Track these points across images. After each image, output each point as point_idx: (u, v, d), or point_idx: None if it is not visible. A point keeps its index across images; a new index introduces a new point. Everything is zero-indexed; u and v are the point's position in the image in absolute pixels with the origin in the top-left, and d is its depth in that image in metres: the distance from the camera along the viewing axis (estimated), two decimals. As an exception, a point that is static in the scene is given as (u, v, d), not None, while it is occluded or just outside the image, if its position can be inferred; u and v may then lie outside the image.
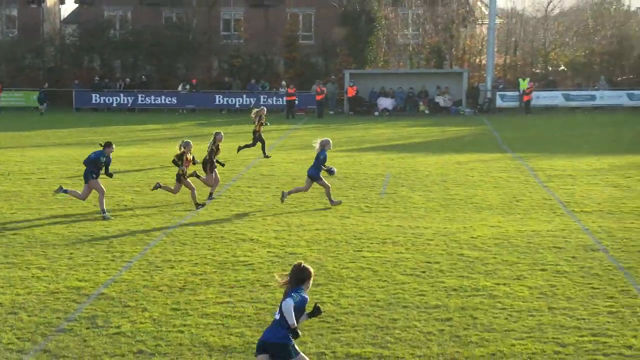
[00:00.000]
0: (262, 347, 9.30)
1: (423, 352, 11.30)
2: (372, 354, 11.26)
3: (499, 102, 54.03)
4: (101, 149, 20.62)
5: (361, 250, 16.88)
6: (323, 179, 21.84)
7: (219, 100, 56.49)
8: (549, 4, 63.53)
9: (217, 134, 23.35)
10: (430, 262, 15.88)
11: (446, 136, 40.19)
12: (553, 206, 21.44)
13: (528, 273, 15.08)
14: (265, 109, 32.72)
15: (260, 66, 59.74)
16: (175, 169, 21.78)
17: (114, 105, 56.61)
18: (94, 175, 20.54)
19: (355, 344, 11.60)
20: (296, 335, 9.02)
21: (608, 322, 12.34)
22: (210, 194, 22.85)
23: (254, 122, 31.10)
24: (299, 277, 9.13)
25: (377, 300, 13.50)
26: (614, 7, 64.42)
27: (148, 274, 15.16)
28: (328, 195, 21.76)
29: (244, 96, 56.07)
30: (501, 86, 55.46)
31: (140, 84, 58.74)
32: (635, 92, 54.36)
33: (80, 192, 20.94)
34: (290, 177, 26.60)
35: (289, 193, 21.92)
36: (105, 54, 61.65)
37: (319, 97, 51.88)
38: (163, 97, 56.79)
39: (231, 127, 45.33)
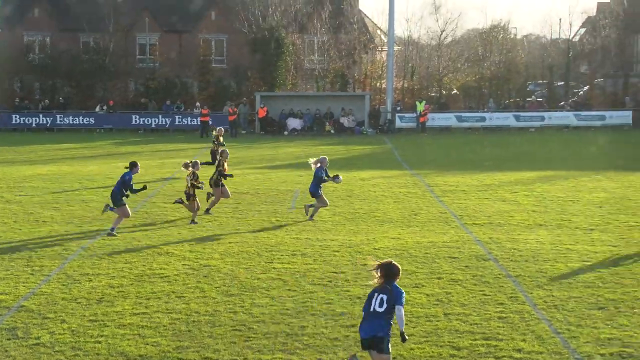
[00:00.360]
0: (367, 344, 9.79)
1: (330, 357, 11.31)
2: (282, 359, 11.22)
3: (398, 123, 54.70)
4: (127, 170, 19.91)
5: (272, 262, 16.83)
6: (323, 195, 21.74)
7: (136, 121, 55.92)
8: (442, 33, 64.76)
9: (223, 151, 23.23)
10: (336, 272, 15.92)
11: (350, 154, 40.47)
12: (448, 219, 21.75)
13: (425, 281, 15.24)
14: (223, 130, 32.70)
15: (175, 88, 59.36)
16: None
17: (34, 125, 55.36)
18: (124, 198, 19.71)
19: (266, 351, 11.54)
20: (405, 340, 9.79)
21: (499, 326, 12.56)
22: (208, 209, 22.50)
23: (212, 142, 31.00)
24: (391, 273, 9.73)
25: (287, 309, 13.46)
26: (501, 35, 65.97)
27: (66, 287, 14.80)
28: (315, 210, 21.70)
29: (160, 116, 55.82)
30: (399, 108, 56.20)
31: (58, 105, 57.64)
32: (521, 113, 55.75)
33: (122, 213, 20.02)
34: (204, 193, 26.32)
35: (311, 210, 21.77)
36: (25, 77, 60.29)
37: (231, 118, 51.88)
38: (81, 118, 55.83)
39: (148, 145, 44.83)
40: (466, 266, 16.39)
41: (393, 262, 9.91)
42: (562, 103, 59.21)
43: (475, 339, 11.95)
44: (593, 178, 29.26)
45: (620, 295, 14.15)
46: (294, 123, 54.87)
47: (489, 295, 14.28)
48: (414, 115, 54.34)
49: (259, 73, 58.30)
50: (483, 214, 22.37)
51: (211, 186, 22.66)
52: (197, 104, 55.65)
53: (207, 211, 22.30)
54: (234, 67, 59.98)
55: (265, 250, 17.90)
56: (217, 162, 23.08)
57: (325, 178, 21.76)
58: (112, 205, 19.94)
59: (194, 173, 21.12)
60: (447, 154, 39.86)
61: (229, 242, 18.77)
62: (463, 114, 56.16)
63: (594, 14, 66.88)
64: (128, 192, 19.83)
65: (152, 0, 62.15)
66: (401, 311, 9.63)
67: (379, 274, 9.83)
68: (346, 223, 21.26)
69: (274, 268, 16.30)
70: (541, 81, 67.02)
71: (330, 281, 15.26)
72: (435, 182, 28.83)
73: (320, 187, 21.76)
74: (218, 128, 32.82)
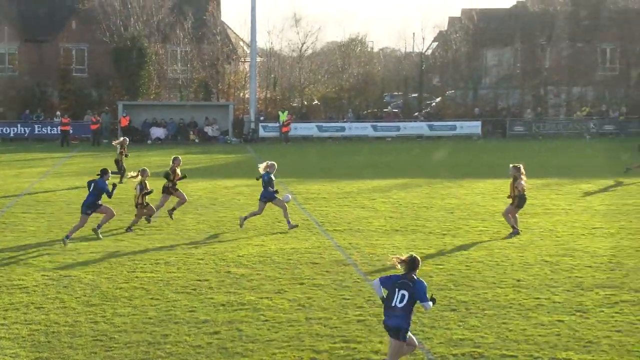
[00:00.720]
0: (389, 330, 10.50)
1: (193, 365, 11.15)
2: (145, 369, 10.99)
3: (261, 132, 54.79)
4: (99, 177, 19.71)
5: (135, 271, 16.47)
6: (264, 204, 21.30)
7: (-7, 130, 53.87)
8: (302, 45, 65.29)
9: (175, 158, 22.90)
10: (200, 280, 15.75)
11: (215, 163, 40.21)
12: (310, 226, 21.91)
13: (288, 287, 15.29)
14: (128, 140, 31.93)
15: (35, 97, 57.49)
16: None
17: None
18: (89, 212, 19.38)
19: (129, 361, 11.27)
20: (434, 302, 10.63)
21: (357, 329, 12.72)
22: (172, 210, 22.58)
23: (116, 151, 30.33)
24: (412, 266, 10.50)
25: (150, 318, 13.20)
26: (359, 48, 67.07)
27: None
28: (249, 216, 21.36)
29: (19, 125, 53.96)
30: (262, 118, 56.31)
31: None
32: (379, 124, 56.89)
33: (78, 224, 19.62)
34: (65, 203, 25.56)
35: (245, 219, 21.30)
36: None
37: (94, 127, 50.82)
38: (-64, 127, 53.26)
39: (5, 155, 43.13)
40: (327, 271, 16.54)
41: (414, 255, 10.61)
42: (416, 114, 60.72)
43: (335, 342, 12.06)
44: (443, 184, 30.15)
45: (471, 297, 14.61)
46: (157, 132, 54.05)
47: (349, 299, 14.46)
48: (277, 125, 54.56)
49: (121, 82, 57.17)
50: (343, 221, 22.65)
51: (163, 192, 22.60)
52: (58, 113, 54.09)
53: (147, 218, 21.74)
54: (95, 76, 58.63)
55: (128, 260, 17.51)
56: (170, 169, 22.72)
57: (270, 189, 21.35)
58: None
59: (142, 182, 20.67)
60: (309, 162, 40.19)
61: (91, 252, 18.26)
62: (324, 124, 56.78)
63: (446, 28, 68.85)
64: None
65: (11, 10, 59.92)
66: (429, 305, 10.45)
67: (402, 266, 10.57)
68: (210, 231, 21.08)
69: (136, 277, 15.96)
70: (397, 93, 68.59)
71: (194, 289, 15.07)
72: (297, 189, 28.99)
73: (274, 191, 21.29)
74: (123, 138, 32.36)
